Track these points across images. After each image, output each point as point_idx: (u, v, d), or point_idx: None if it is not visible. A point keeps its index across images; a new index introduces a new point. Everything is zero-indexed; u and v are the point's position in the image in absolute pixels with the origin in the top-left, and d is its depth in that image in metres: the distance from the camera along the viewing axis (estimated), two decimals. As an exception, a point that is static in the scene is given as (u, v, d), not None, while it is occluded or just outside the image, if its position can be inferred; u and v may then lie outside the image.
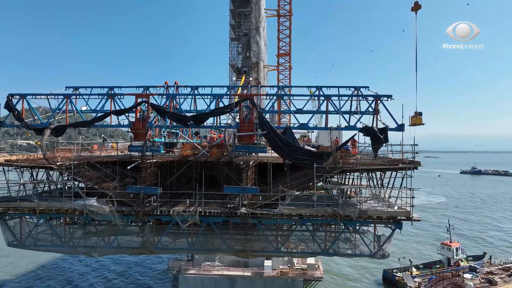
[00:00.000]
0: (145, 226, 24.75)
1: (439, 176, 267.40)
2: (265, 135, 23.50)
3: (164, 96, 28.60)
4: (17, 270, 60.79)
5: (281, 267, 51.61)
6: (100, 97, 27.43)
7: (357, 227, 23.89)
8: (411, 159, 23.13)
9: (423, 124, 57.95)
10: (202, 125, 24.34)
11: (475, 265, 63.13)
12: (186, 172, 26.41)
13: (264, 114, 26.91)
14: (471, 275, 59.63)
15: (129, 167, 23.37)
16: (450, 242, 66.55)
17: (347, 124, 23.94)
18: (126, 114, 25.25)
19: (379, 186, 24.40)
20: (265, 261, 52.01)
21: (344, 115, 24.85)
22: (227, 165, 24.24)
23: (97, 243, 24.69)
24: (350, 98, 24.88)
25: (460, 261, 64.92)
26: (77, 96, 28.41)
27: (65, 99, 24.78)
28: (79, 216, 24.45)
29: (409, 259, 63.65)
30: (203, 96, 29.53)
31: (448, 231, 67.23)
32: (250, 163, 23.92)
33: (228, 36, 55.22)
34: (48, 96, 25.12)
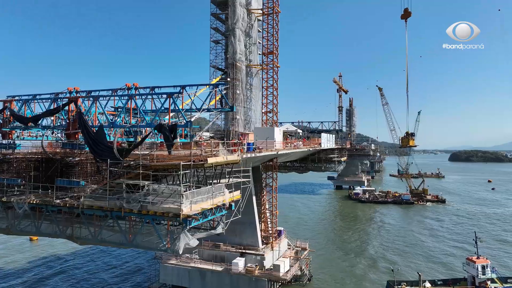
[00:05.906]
0: (8, 210, 29.40)
1: None
2: (82, 133, 25.94)
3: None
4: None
5: (249, 265, 51.58)
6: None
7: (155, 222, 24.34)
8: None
9: (415, 146, 50.81)
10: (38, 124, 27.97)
11: (506, 288, 52.21)
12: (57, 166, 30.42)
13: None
14: (494, 299, 49.85)
15: (-12, 161, 28.33)
16: (477, 257, 56.04)
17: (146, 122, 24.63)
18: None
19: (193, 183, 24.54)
20: (237, 258, 52.74)
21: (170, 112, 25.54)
22: (60, 162, 27.46)
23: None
24: (147, 97, 25.45)
25: (488, 281, 54.33)
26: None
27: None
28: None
29: (418, 272, 55.97)
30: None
31: (475, 244, 56.71)
32: (77, 158, 26.62)
33: (209, 40, 57.41)
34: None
